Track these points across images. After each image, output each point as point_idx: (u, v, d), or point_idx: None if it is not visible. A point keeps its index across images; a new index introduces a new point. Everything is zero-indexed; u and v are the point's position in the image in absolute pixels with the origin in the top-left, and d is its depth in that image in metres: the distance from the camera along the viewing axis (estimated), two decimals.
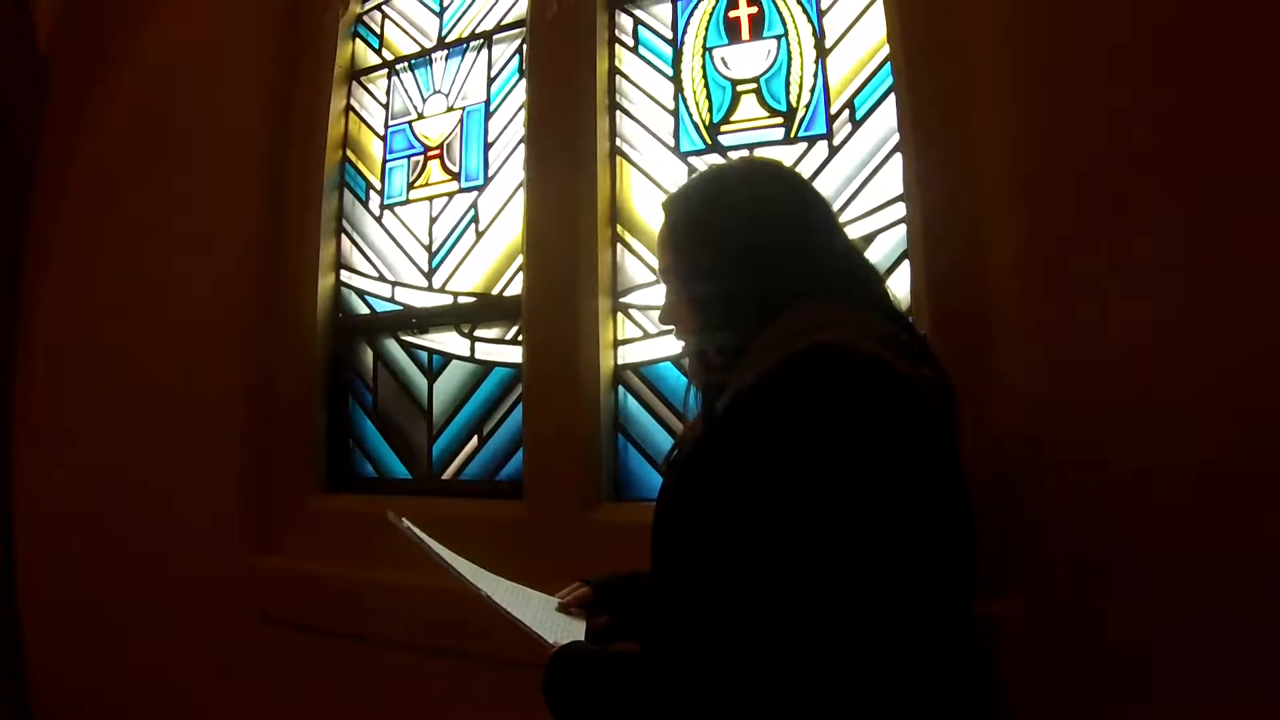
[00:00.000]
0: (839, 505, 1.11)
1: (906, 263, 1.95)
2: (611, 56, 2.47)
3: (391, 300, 2.83)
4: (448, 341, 2.68)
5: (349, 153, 2.99)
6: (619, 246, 2.39)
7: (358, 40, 3.05)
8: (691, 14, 2.38)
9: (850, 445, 1.14)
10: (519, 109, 2.62)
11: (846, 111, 2.13)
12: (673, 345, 2.18)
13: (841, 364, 1.20)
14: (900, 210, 1.99)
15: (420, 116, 2.87)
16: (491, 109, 2.71)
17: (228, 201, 2.97)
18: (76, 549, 3.17)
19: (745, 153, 2.22)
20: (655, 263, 1.71)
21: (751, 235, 1.40)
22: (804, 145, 2.16)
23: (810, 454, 1.13)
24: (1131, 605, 1.53)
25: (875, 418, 1.16)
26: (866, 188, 2.07)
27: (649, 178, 2.37)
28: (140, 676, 2.95)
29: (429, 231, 2.78)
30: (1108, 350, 1.60)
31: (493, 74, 2.73)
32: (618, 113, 2.44)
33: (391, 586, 2.34)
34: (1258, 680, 1.44)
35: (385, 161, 2.92)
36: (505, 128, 2.67)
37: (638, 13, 2.47)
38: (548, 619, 1.51)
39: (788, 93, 2.20)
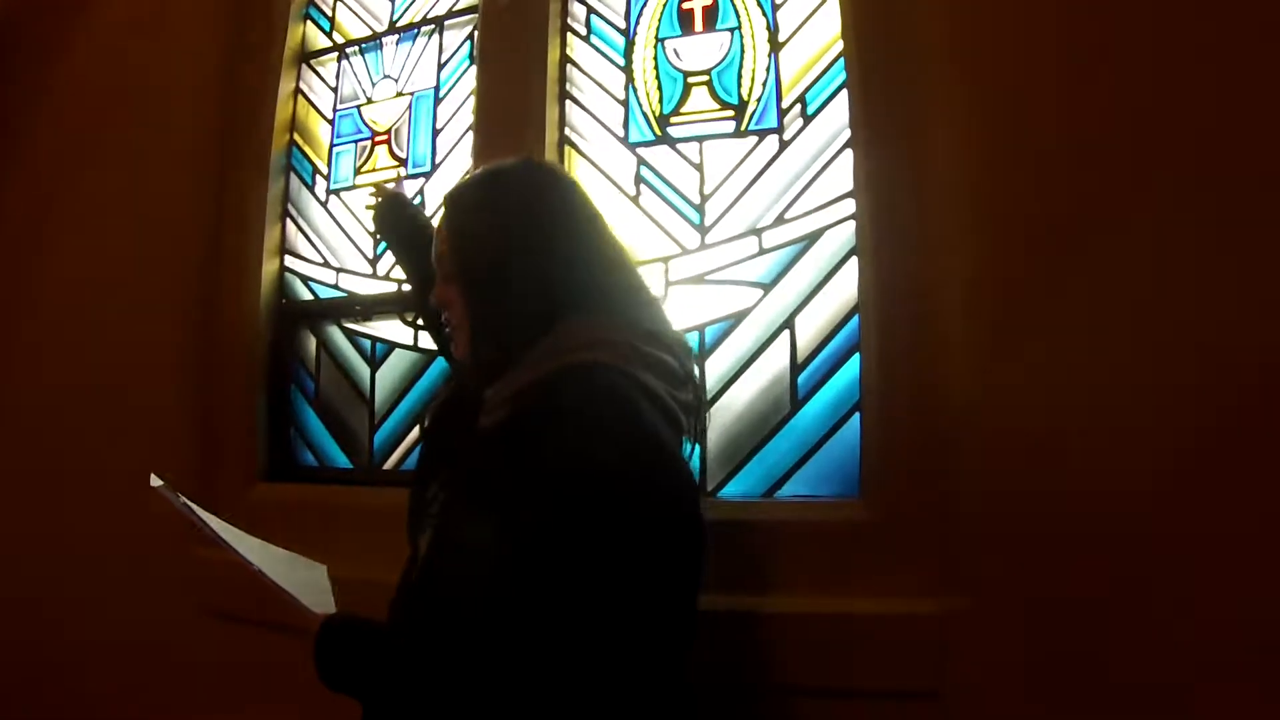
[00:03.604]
0: (579, 521, 1.23)
1: (854, 259, 1.94)
2: (563, 44, 2.44)
3: (335, 287, 2.78)
4: (391, 330, 2.65)
5: (296, 136, 2.94)
6: None
7: (308, 22, 3.00)
8: (645, 4, 2.35)
9: (593, 466, 1.26)
10: (468, 95, 2.58)
11: (798, 106, 2.11)
12: None
13: (594, 385, 1.33)
14: (849, 207, 1.98)
15: (369, 101, 2.83)
16: (441, 95, 2.67)
17: (171, 184, 2.90)
18: (13, 544, 3.09)
19: (693, 144, 2.22)
20: None
21: (524, 253, 1.46)
22: (754, 139, 2.14)
23: (558, 473, 1.26)
24: (1078, 608, 1.55)
25: (620, 440, 1.28)
26: (816, 183, 2.06)
27: (597, 168, 2.34)
28: (77, 674, 2.89)
29: None
30: (1058, 354, 1.62)
31: (443, 60, 2.69)
32: (568, 102, 2.41)
33: (334, 578, 2.30)
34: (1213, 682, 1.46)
35: (332, 146, 2.88)
36: (454, 114, 2.63)
37: (591, 1, 2.44)
38: (307, 586, 1.59)
39: (739, 86, 2.19)
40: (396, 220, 2.11)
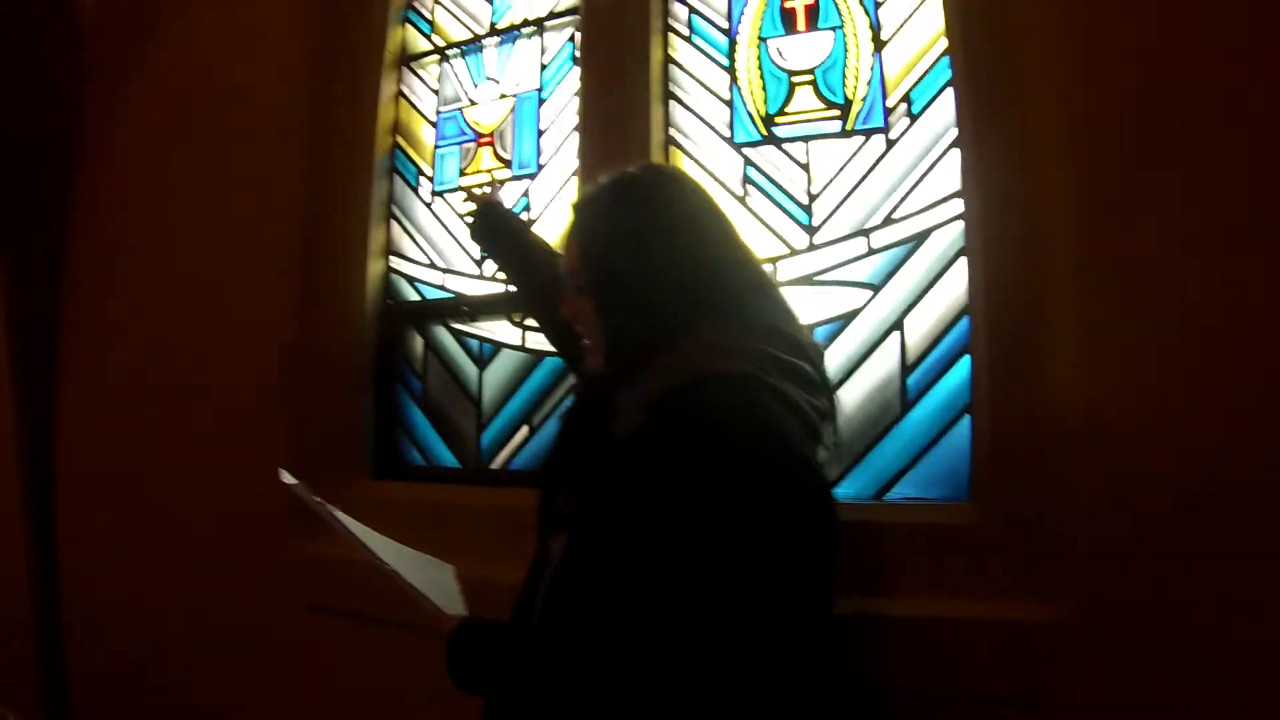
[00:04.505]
0: (720, 531, 1.25)
1: (963, 259, 1.93)
2: (665, 45, 2.45)
3: (442, 288, 2.83)
4: (499, 330, 2.68)
5: (399, 138, 2.99)
6: None
7: (408, 26, 3.05)
8: (746, 4, 2.35)
9: (732, 476, 1.27)
10: (572, 97, 2.61)
11: (904, 105, 2.10)
12: None
13: (734, 395, 1.32)
14: (957, 206, 1.96)
15: (472, 103, 2.87)
16: (544, 96, 2.70)
17: (274, 186, 2.98)
18: (120, 540, 3.21)
19: (800, 144, 2.21)
20: None
21: (656, 259, 1.47)
22: (860, 138, 2.14)
23: (701, 479, 1.27)
24: (1196, 617, 1.51)
25: (759, 450, 1.29)
26: (923, 182, 2.04)
27: (703, 168, 2.34)
28: (185, 666, 2.98)
29: None
30: (1173, 355, 1.58)
31: (545, 61, 2.72)
32: (672, 102, 2.42)
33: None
34: None
35: (436, 148, 2.92)
36: (558, 116, 2.66)
37: (692, 1, 2.44)
38: (437, 586, 1.62)
39: (844, 85, 2.18)
40: (493, 227, 2.15)
